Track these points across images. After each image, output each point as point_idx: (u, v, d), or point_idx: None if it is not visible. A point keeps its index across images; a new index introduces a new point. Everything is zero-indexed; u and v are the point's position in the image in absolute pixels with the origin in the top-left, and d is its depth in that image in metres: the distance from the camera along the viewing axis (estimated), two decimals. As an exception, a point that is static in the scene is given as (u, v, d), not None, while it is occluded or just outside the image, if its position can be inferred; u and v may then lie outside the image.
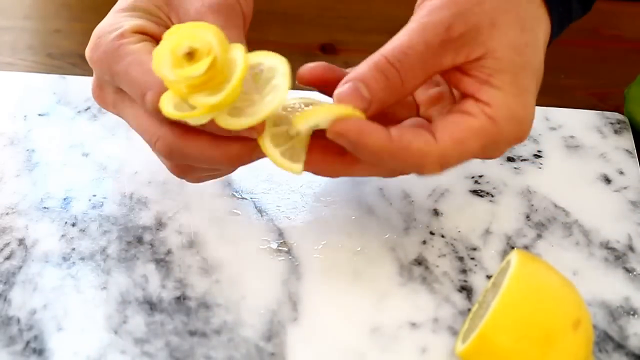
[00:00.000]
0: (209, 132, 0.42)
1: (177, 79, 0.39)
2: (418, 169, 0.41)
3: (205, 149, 0.42)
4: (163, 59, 0.39)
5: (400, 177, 0.54)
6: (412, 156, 0.40)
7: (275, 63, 0.41)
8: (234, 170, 0.47)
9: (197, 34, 0.39)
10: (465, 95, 0.42)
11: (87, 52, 0.45)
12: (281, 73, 0.40)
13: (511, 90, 0.42)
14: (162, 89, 0.40)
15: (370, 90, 0.41)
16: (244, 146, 0.42)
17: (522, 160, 0.56)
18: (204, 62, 0.38)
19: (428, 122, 0.43)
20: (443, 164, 0.41)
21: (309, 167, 0.42)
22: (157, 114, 0.41)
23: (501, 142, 0.43)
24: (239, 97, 0.40)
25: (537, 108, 0.58)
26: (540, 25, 0.44)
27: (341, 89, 0.41)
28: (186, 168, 0.46)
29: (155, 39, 0.44)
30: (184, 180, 0.54)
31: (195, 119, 0.40)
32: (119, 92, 0.45)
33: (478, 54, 0.42)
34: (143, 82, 0.42)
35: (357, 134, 0.40)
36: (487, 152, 0.43)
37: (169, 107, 0.40)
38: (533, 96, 0.43)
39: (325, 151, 0.42)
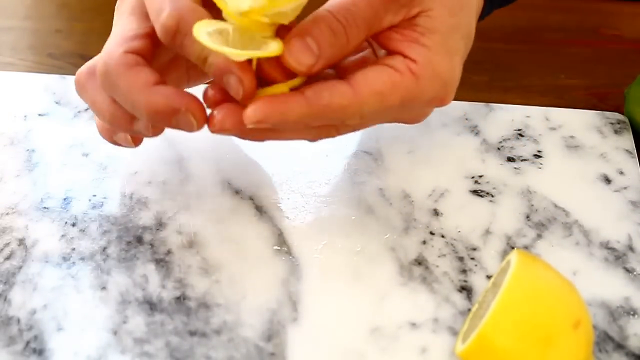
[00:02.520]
0: (153, 75, 0.41)
1: None
2: (340, 122, 0.42)
3: (135, 88, 0.41)
4: None
5: (400, 177, 0.54)
6: (333, 112, 0.41)
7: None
8: (141, 138, 0.49)
9: None
10: (392, 53, 0.43)
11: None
12: None
13: (439, 50, 0.42)
14: (181, 11, 0.40)
15: (319, 45, 0.41)
16: (169, 103, 0.41)
17: (522, 160, 0.56)
18: None
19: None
20: (363, 115, 0.42)
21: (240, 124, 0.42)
22: (164, 35, 0.41)
23: (421, 100, 0.43)
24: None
25: (537, 108, 0.59)
26: None
27: (291, 43, 0.40)
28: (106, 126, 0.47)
29: None
30: (184, 180, 0.54)
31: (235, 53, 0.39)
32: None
33: (414, 13, 0.42)
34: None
35: (279, 116, 0.40)
36: (405, 109, 0.43)
37: (203, 33, 0.39)
38: (461, 59, 0.44)
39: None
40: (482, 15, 0.48)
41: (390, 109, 0.43)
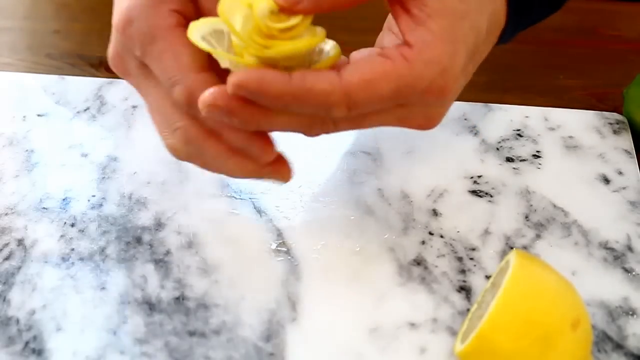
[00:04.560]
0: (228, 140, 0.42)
1: (266, 23, 0.38)
2: (325, 110, 0.40)
3: (222, 156, 0.42)
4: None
5: (399, 177, 0.54)
6: (316, 97, 0.39)
7: (330, 48, 0.41)
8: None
9: None
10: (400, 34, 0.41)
11: (117, 22, 0.43)
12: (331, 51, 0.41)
13: (442, 35, 0.40)
14: (193, 85, 0.40)
15: None
16: (256, 167, 0.42)
17: (521, 161, 0.56)
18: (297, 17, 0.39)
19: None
20: (350, 105, 0.39)
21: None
22: (181, 106, 0.41)
23: (416, 88, 0.40)
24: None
25: (536, 108, 0.59)
26: None
27: None
28: (194, 156, 0.45)
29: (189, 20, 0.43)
30: (183, 181, 0.54)
31: (222, 57, 0.39)
32: (144, 68, 0.43)
33: None
34: (174, 74, 0.41)
35: (257, 82, 0.38)
36: (402, 96, 0.40)
37: (197, 36, 0.39)
38: (466, 51, 0.41)
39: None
40: (505, 38, 0.46)
41: (383, 101, 0.40)
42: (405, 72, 0.39)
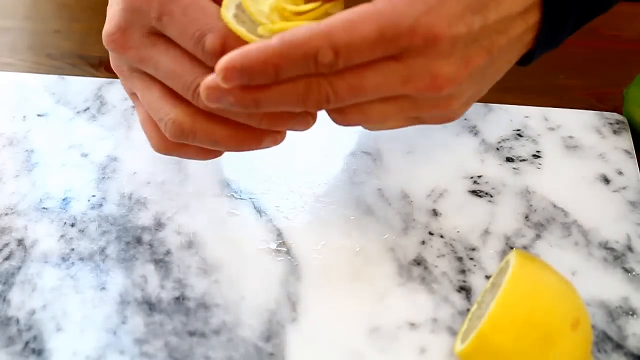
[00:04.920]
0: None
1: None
2: (313, 60, 0.38)
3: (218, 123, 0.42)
4: None
5: (399, 177, 0.54)
6: (298, 47, 0.38)
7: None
8: (221, 154, 0.47)
9: None
10: None
11: None
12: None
13: None
14: (227, 32, 0.40)
15: None
16: (252, 131, 0.42)
17: (521, 161, 0.56)
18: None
19: None
20: (335, 48, 0.37)
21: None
22: (210, 58, 0.40)
23: (402, 25, 0.38)
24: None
25: (536, 108, 0.59)
26: None
27: None
28: (177, 144, 0.45)
29: None
30: (183, 181, 0.54)
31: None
32: (150, 36, 0.43)
33: None
34: (205, 23, 0.40)
35: (240, 57, 0.38)
36: (387, 38, 0.38)
37: (229, 14, 0.40)
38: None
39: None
40: (530, 58, 0.45)
41: (369, 44, 0.38)
42: (386, 10, 0.38)
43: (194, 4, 0.41)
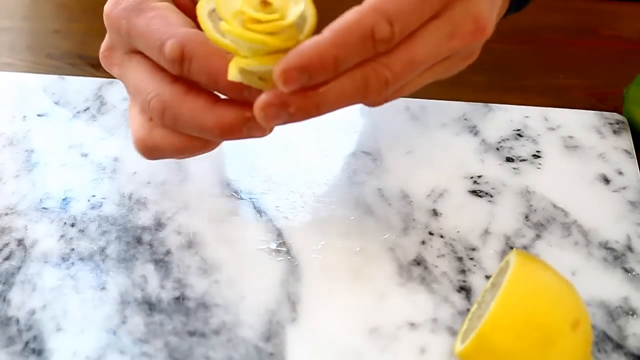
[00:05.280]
0: (208, 95, 0.41)
1: (252, 14, 0.37)
2: (371, 40, 0.37)
3: (199, 111, 0.40)
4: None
5: (399, 177, 0.54)
6: (354, 30, 0.37)
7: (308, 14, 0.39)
8: (209, 149, 0.45)
9: None
10: None
11: (106, 7, 0.43)
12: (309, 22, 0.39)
13: None
14: (185, 37, 0.40)
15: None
16: (238, 115, 0.40)
17: (521, 161, 0.56)
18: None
19: None
20: (388, 18, 0.37)
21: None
22: (170, 64, 0.40)
23: None
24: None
25: (536, 108, 0.59)
26: None
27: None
28: (154, 142, 0.44)
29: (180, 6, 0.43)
30: (183, 181, 0.54)
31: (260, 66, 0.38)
32: (129, 54, 0.44)
33: None
34: (164, 32, 0.40)
35: (299, 59, 0.36)
36: None
37: (204, 11, 0.39)
38: None
39: None
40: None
41: (420, 6, 0.38)
42: None
43: (158, 16, 0.42)
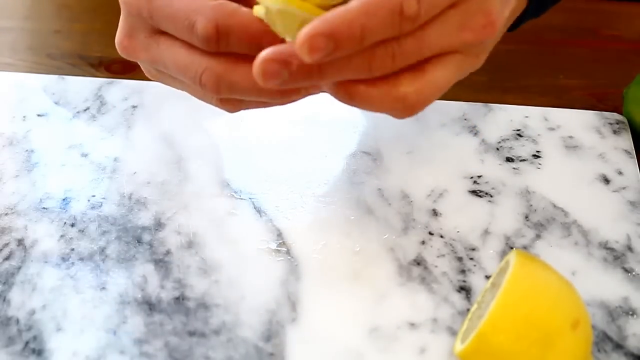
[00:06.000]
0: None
1: None
2: (399, 14, 0.36)
3: (254, 80, 0.38)
4: None
5: (399, 177, 0.54)
6: (384, 3, 0.36)
7: None
8: (284, 103, 0.43)
9: None
10: None
11: None
12: None
13: None
14: (213, 14, 0.38)
15: None
16: (293, 76, 0.38)
17: (521, 161, 0.56)
18: None
19: None
20: None
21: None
22: (206, 44, 0.39)
23: None
24: None
25: (536, 108, 0.59)
26: None
27: None
28: (234, 101, 0.43)
29: None
30: (183, 181, 0.54)
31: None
32: (154, 35, 0.43)
33: None
34: (191, 10, 0.39)
35: (325, 27, 0.35)
36: None
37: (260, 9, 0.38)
38: None
39: None
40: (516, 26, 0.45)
41: None
42: None
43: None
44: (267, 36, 0.38)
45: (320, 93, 0.41)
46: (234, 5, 0.39)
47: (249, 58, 0.38)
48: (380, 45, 0.37)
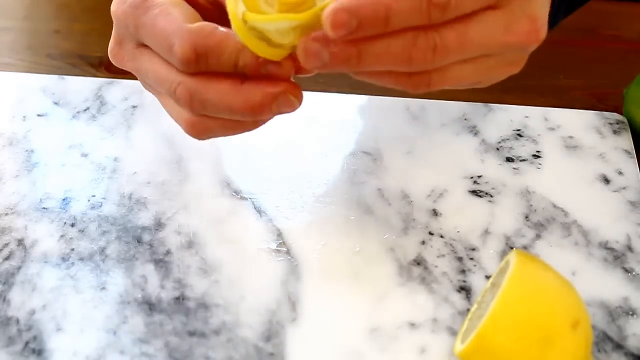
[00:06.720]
0: (232, 77, 0.40)
1: None
2: (427, 2, 0.36)
3: (226, 94, 0.40)
4: None
5: (399, 177, 0.54)
6: None
7: None
8: (253, 128, 0.44)
9: None
10: None
11: (113, 6, 0.44)
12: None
13: None
14: (190, 38, 0.39)
15: None
16: (265, 94, 0.40)
17: (521, 161, 0.56)
18: None
19: None
20: None
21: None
22: (185, 66, 0.40)
23: None
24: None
25: (536, 108, 0.59)
26: None
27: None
28: (203, 124, 0.44)
29: None
30: (183, 181, 0.54)
31: (273, 23, 0.37)
32: (139, 47, 0.44)
33: None
34: (170, 32, 0.40)
35: (350, 3, 0.35)
36: None
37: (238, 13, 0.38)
38: None
39: None
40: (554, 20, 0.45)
41: None
42: None
43: (161, 13, 0.41)
44: (244, 54, 0.39)
45: (284, 114, 0.42)
46: (212, 26, 0.40)
47: (224, 75, 0.40)
48: (421, 34, 0.37)
